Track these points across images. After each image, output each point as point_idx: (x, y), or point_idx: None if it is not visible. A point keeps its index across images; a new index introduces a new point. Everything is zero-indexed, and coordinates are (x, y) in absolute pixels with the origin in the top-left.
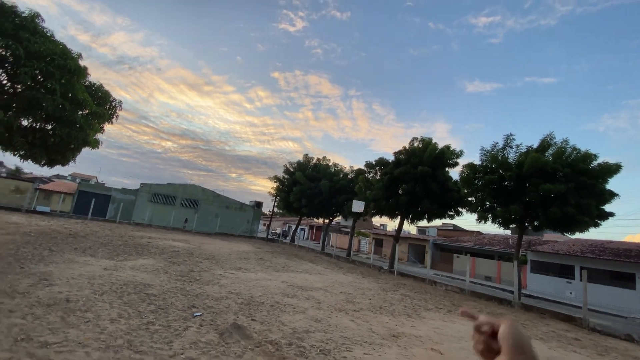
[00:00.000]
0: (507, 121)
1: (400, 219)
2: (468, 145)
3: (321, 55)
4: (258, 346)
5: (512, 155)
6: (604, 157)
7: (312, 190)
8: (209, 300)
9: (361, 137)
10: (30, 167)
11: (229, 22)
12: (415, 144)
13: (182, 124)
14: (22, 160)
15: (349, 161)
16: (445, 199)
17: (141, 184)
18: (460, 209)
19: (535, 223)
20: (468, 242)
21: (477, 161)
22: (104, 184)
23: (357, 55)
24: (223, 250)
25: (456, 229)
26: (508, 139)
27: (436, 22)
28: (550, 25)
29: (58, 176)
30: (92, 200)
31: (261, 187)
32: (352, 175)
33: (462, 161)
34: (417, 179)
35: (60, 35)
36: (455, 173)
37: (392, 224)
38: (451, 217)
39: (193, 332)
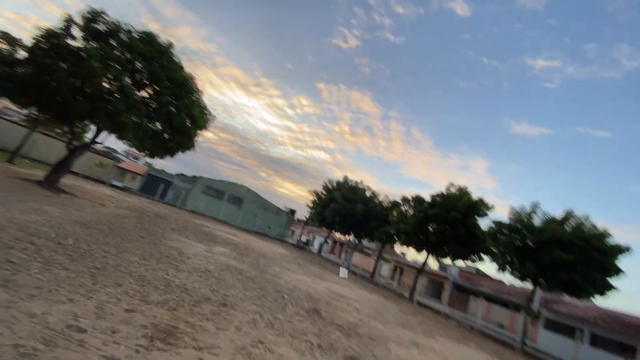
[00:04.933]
0: (551, 169)
1: (427, 254)
2: (505, 185)
3: (368, 74)
4: (331, 324)
5: (537, 220)
6: None
7: (347, 210)
8: (285, 290)
9: (394, 159)
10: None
11: (286, 31)
12: (452, 190)
13: (225, 119)
14: (144, 155)
15: (377, 179)
16: (471, 244)
17: (199, 176)
18: (483, 255)
19: (546, 284)
20: (487, 288)
21: (507, 210)
22: (152, 164)
23: (404, 79)
24: (267, 250)
25: (479, 273)
26: (535, 206)
27: (490, 58)
28: (613, 79)
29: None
30: (156, 182)
31: (286, 191)
32: (386, 204)
33: (499, 206)
34: (448, 222)
35: (133, 22)
36: (484, 222)
37: (411, 254)
38: (473, 261)
39: (291, 307)
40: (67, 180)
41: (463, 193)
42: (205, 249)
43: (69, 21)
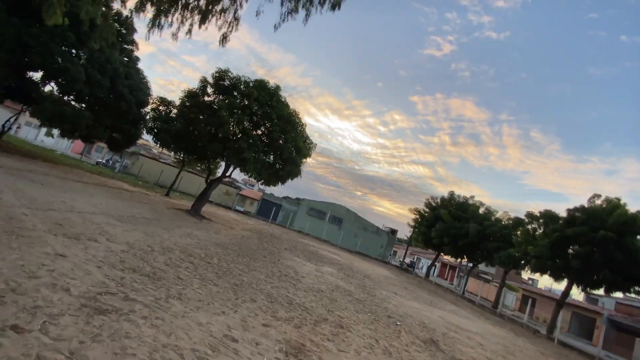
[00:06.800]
0: None
1: (568, 283)
2: None
3: (468, 78)
4: (452, 359)
5: None
6: None
7: (456, 230)
8: (396, 315)
9: (510, 168)
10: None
11: (376, 52)
12: (597, 202)
13: (321, 143)
14: (261, 184)
15: (489, 193)
16: (633, 272)
17: (302, 198)
18: None
19: None
20: None
21: None
22: (264, 190)
23: (514, 76)
24: (370, 272)
25: None
26: None
27: (632, 35)
28: None
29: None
30: (269, 206)
31: (383, 209)
32: (506, 222)
33: None
34: (595, 243)
35: (245, 70)
36: None
37: (543, 281)
38: (638, 293)
39: (405, 335)
40: (205, 208)
41: (614, 205)
42: (315, 269)
43: (204, 82)
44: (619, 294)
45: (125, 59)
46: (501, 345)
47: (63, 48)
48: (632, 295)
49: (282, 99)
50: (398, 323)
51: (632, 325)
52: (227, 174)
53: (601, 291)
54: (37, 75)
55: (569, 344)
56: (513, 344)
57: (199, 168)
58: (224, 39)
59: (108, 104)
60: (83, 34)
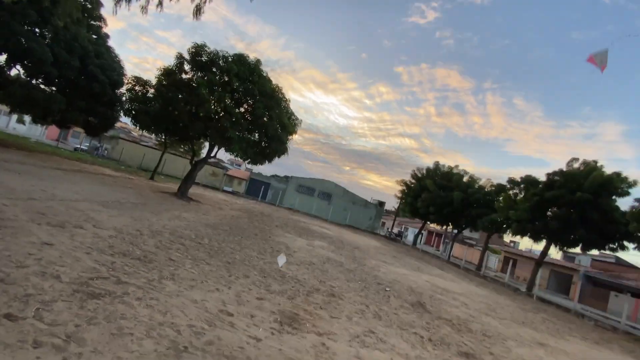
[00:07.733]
0: None
1: (547, 243)
2: None
3: (452, 46)
4: (438, 319)
5: None
6: None
7: (442, 199)
8: (385, 282)
9: (493, 137)
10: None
11: (358, 21)
12: (575, 166)
13: (307, 119)
14: (248, 163)
15: (473, 162)
16: (608, 230)
17: (290, 176)
18: (626, 243)
19: None
20: (635, 281)
21: None
22: (252, 169)
23: (498, 43)
24: (360, 242)
25: (619, 262)
26: None
27: None
28: None
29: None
30: (257, 185)
31: (372, 183)
32: (489, 189)
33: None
34: (573, 204)
35: (224, 45)
36: (625, 201)
37: (524, 243)
38: (613, 250)
39: (394, 300)
40: (192, 190)
41: (591, 168)
42: (306, 243)
43: (180, 58)
44: (594, 252)
45: (94, 36)
46: (484, 303)
47: (25, 27)
48: (607, 252)
49: (264, 74)
50: (387, 289)
51: (607, 280)
52: (212, 154)
53: (578, 249)
54: (1, 59)
55: (547, 299)
56: (495, 302)
57: (182, 149)
58: (197, 10)
59: (80, 86)
60: (45, 11)
